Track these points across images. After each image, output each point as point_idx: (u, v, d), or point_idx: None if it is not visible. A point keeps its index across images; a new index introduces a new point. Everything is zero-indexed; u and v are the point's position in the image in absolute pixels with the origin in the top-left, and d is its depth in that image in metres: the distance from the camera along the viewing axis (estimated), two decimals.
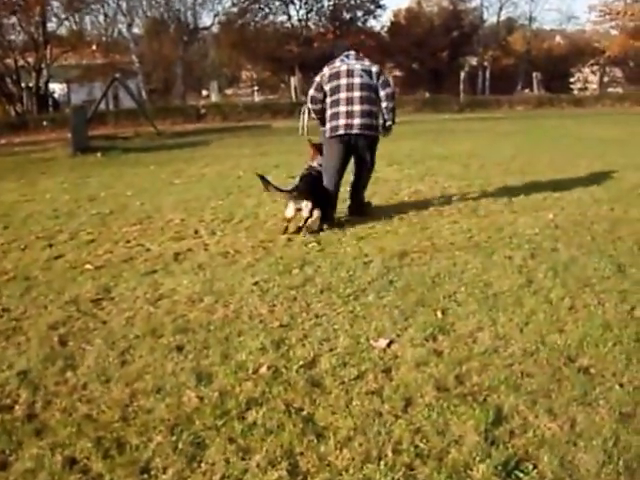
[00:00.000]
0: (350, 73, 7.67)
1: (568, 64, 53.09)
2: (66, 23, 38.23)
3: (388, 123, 7.94)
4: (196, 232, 7.60)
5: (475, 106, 35.15)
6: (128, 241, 7.31)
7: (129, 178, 12.19)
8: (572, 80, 54.46)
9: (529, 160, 12.77)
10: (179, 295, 5.47)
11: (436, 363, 4.11)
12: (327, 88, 7.77)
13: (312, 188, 7.56)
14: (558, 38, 59.75)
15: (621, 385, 3.81)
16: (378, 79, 7.73)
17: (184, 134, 22.03)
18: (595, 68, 53.67)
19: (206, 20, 46.45)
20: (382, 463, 3.12)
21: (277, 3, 46.14)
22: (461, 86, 38.69)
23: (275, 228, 7.61)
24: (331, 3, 46.64)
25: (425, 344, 4.41)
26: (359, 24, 48.18)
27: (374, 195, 9.38)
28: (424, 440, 3.30)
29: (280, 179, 10.97)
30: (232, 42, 43.91)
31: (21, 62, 32.69)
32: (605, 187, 9.77)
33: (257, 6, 45.20)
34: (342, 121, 7.66)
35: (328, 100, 7.81)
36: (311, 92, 7.96)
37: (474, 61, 51.78)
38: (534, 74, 40.80)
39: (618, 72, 55.32)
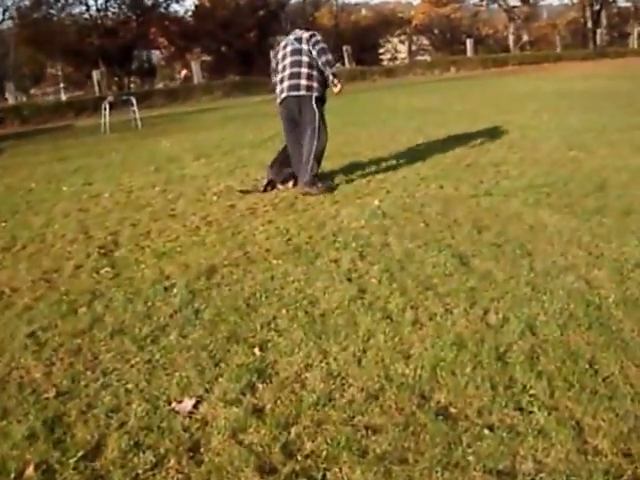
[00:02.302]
0: (285, 46, 8.21)
1: (376, 35, 53.43)
2: None
3: (330, 77, 8.07)
4: None
5: None
6: None
7: None
8: (381, 51, 54.94)
9: (345, 139, 12.01)
10: None
11: (257, 427, 3.18)
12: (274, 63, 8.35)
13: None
14: (364, 11, 60.14)
15: (490, 428, 3.02)
16: (309, 42, 8.03)
17: None
18: (403, 38, 54.42)
19: None
20: None
21: None
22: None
23: (63, 252, 6.43)
24: None
25: (242, 399, 3.45)
26: (162, 10, 46.44)
27: (180, 197, 8.36)
28: None
29: (77, 186, 9.79)
30: (27, 38, 41.14)
31: None
32: (430, 162, 9.15)
33: None
34: (278, 89, 8.23)
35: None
36: (272, 66, 8.45)
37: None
38: (344, 48, 40.61)
39: (425, 40, 56.40)
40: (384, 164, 9.21)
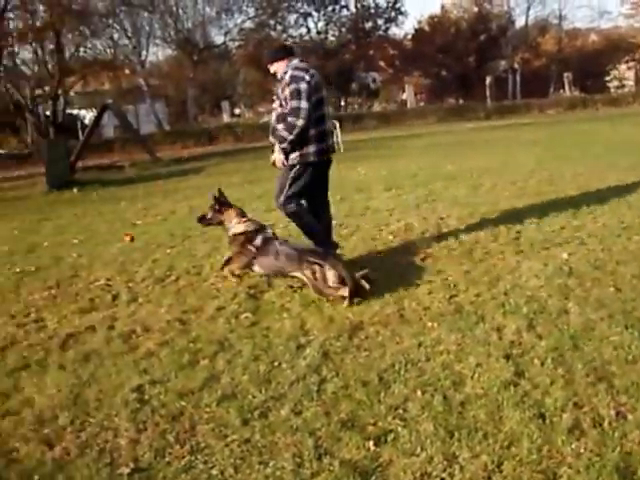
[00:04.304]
0: (318, 86, 6.12)
1: (602, 62, 50.70)
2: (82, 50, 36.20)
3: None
4: (114, 298, 6.03)
5: (503, 112, 33.25)
6: (27, 314, 5.81)
7: (89, 219, 10.85)
8: (608, 78, 52.13)
9: (550, 176, 11.00)
10: (30, 411, 3.89)
11: None
12: (313, 100, 6.01)
13: None
14: (593, 36, 57.23)
15: None
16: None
17: (184, 160, 20.55)
18: (632, 64, 51.26)
19: (218, 38, 44.67)
20: None
21: (295, 16, 44.85)
22: (487, 91, 36.94)
23: (211, 290, 6.01)
24: (350, 13, 45.13)
25: None
26: (380, 33, 46.52)
27: (353, 233, 7.78)
28: None
29: (257, 212, 9.46)
30: (251, 58, 42.51)
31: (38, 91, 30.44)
32: (638, 208, 7.98)
33: (274, 21, 43.80)
34: (330, 141, 6.41)
35: (313, 116, 6.02)
36: (307, 105, 5.91)
37: (503, 65, 49.77)
38: (565, 75, 38.90)
39: None
40: (585, 208, 8.13)
